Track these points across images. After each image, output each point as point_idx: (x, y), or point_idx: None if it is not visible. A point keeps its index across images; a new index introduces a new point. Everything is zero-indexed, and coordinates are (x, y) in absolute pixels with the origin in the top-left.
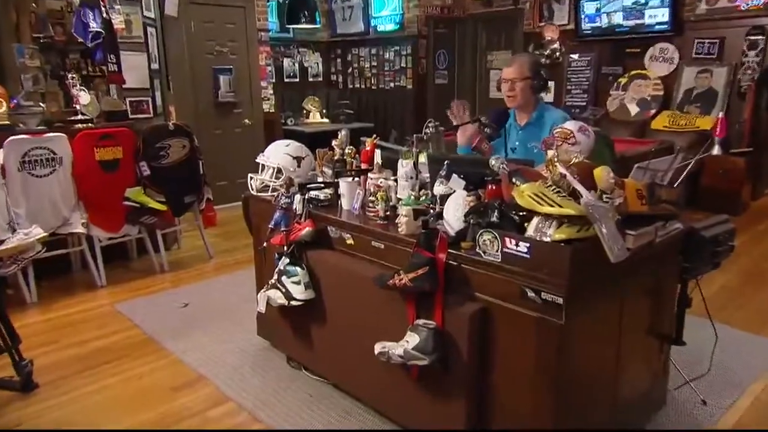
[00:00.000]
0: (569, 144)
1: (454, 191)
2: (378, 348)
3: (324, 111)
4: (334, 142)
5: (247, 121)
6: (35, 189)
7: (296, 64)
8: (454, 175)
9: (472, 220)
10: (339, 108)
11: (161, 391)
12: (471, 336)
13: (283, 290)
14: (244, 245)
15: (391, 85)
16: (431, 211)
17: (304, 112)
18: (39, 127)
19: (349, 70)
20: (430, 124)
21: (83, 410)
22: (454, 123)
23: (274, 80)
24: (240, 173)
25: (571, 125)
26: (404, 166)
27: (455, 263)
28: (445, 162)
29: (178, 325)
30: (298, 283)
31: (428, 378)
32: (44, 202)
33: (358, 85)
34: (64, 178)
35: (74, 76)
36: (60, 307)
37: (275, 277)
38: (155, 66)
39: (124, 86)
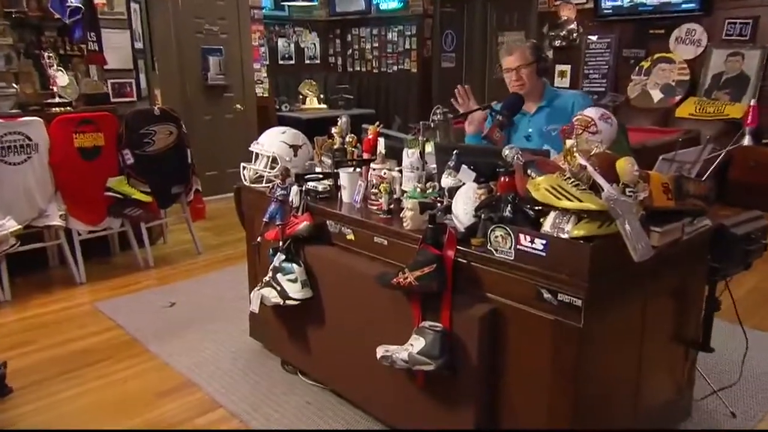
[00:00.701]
0: (590, 133)
1: (464, 183)
2: (380, 352)
3: (321, 96)
4: (333, 130)
5: (238, 106)
6: (8, 178)
7: (292, 45)
8: (464, 166)
9: (483, 215)
10: (338, 93)
11: (146, 396)
12: (481, 339)
13: (278, 289)
14: (236, 240)
15: (394, 68)
16: (438, 204)
17: (300, 97)
18: (13, 111)
19: (349, 51)
20: (437, 111)
21: (61, 417)
22: (461, 111)
23: (267, 62)
24: (231, 162)
25: (592, 112)
26: (409, 156)
27: (464, 261)
28: (454, 152)
29: (164, 325)
30: (294, 281)
31: (434, 385)
32: (18, 192)
33: (358, 69)
34: (40, 166)
35: (51, 55)
36: (36, 305)
37: (270, 274)
38: (139, 45)
39: (105, 67)
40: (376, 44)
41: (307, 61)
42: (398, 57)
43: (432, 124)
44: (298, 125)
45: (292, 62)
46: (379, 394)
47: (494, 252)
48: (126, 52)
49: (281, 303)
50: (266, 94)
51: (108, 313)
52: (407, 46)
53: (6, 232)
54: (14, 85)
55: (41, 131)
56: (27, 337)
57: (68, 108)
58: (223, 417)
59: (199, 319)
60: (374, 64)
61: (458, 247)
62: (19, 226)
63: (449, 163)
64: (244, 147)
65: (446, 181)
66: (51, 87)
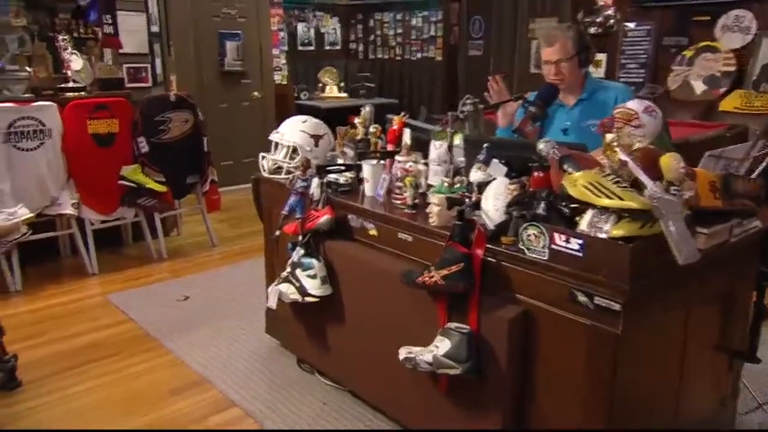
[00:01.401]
0: (633, 127)
1: (494, 178)
2: (403, 353)
3: (341, 84)
4: (356, 120)
5: (256, 93)
6: (21, 164)
7: (312, 30)
8: (495, 160)
9: (515, 212)
10: (358, 81)
11: (158, 393)
12: (511, 343)
13: (297, 285)
14: (252, 233)
15: (418, 55)
16: (467, 200)
17: (320, 85)
18: (25, 95)
19: (371, 37)
20: (467, 101)
21: (71, 413)
22: (493, 101)
23: (286, 48)
24: (247, 152)
25: (635, 105)
26: (437, 149)
27: (494, 260)
28: (485, 145)
29: (178, 320)
30: (313, 277)
31: (459, 389)
32: (31, 179)
33: (380, 56)
34: (53, 153)
35: (65, 38)
36: (47, 296)
37: (288, 269)
38: (155, 29)
39: (120, 51)
40: (400, 30)
41: (327, 47)
42: (423, 44)
43: (461, 115)
44: (317, 114)
45: (312, 48)
46: (400, 397)
47: (526, 251)
48: (142, 36)
49: (300, 300)
50: (285, 82)
51: (120, 306)
52: (432, 33)
53: (18, 220)
54: (27, 68)
55: (55, 116)
56: (38, 329)
57: (82, 93)
58: (237, 416)
59: (214, 314)
60: (397, 51)
61: (487, 245)
62: (31, 214)
63: (479, 156)
64: (261, 136)
65: (476, 175)
66: (64, 71)
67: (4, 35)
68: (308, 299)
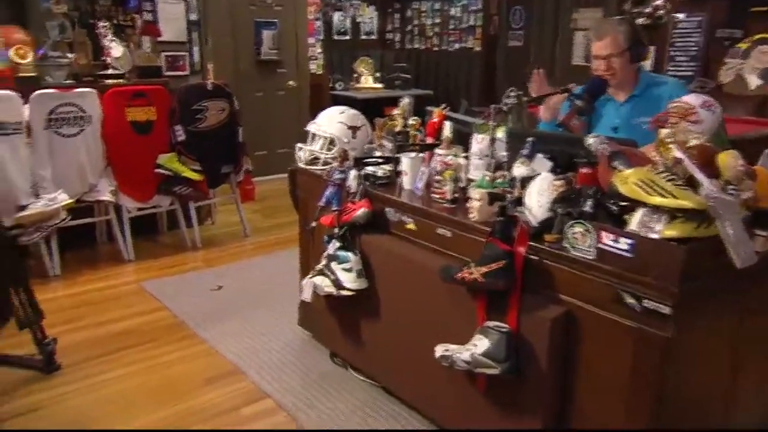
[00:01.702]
0: (689, 122)
1: (539, 174)
2: (440, 350)
3: (377, 75)
4: (395, 111)
5: (291, 83)
6: (62, 150)
7: (348, 20)
8: (539, 155)
9: (560, 209)
10: (394, 72)
11: (192, 382)
12: (552, 343)
13: (332, 277)
14: (286, 223)
15: (456, 46)
16: (509, 195)
17: (355, 75)
18: (67, 81)
19: (408, 27)
20: (511, 93)
21: (102, 400)
22: (535, 94)
23: (322, 37)
24: (282, 142)
25: (692, 99)
26: (478, 142)
27: (536, 258)
28: (529, 139)
29: (211, 309)
30: (349, 270)
31: (497, 389)
32: (71, 165)
33: (416, 46)
34: (93, 140)
35: (105, 24)
36: (84, 281)
37: (323, 262)
38: (194, 17)
39: (159, 39)
40: (438, 20)
41: (363, 37)
42: (461, 34)
43: (505, 108)
44: (353, 105)
45: (348, 38)
46: (435, 395)
47: (571, 249)
48: (180, 24)
49: (334, 293)
50: (320, 71)
51: (154, 294)
52: (471, 23)
53: (57, 206)
54: (68, 54)
55: (95, 103)
56: (75, 313)
57: (121, 80)
58: (270, 408)
59: (247, 305)
60: (434, 42)
61: (530, 242)
62: (71, 200)
63: (523, 151)
64: (295, 126)
65: (519, 170)
66: (104, 58)
67: (45, 22)
68: (343, 293)
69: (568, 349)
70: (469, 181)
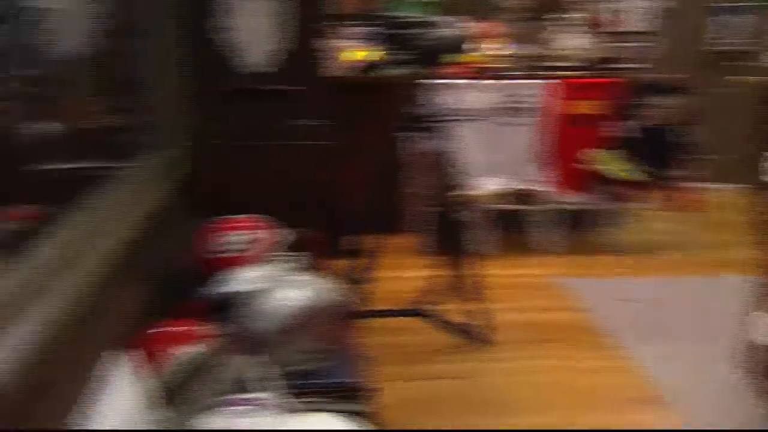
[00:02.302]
0: None
1: None
2: None
3: None
4: None
5: (749, 78)
6: (500, 138)
7: None
8: None
9: None
10: None
11: (610, 397)
12: None
13: None
14: (731, 243)
15: None
16: None
17: None
18: (516, 72)
19: None
20: None
21: (520, 386)
22: None
23: None
24: (737, 147)
25: None
26: None
27: None
28: None
29: (634, 323)
30: None
31: None
32: (506, 153)
33: None
34: (532, 130)
35: (556, 16)
36: (508, 265)
37: None
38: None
39: (617, 30)
40: None
41: None
42: None
43: None
44: None
45: None
46: None
47: None
48: (646, 14)
49: None
50: None
51: (573, 292)
52: None
53: (502, 190)
54: (526, 46)
55: (540, 94)
56: (500, 295)
57: (571, 72)
58: None
59: (678, 327)
60: None
61: None
62: (508, 187)
63: None
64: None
65: None
66: (553, 49)
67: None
68: None
69: None
70: None
